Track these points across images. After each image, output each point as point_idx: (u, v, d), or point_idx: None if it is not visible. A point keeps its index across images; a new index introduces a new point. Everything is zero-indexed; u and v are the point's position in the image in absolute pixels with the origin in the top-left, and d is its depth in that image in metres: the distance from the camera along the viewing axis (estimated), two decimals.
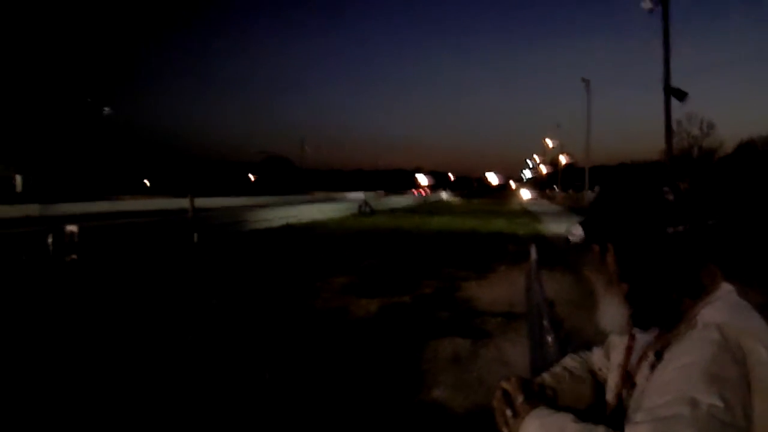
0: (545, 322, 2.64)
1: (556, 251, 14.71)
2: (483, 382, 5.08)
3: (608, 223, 1.20)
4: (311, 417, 4.31)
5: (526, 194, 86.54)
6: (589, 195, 46.82)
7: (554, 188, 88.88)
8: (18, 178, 53.61)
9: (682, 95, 19.64)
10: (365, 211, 34.35)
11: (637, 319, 1.20)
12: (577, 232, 1.24)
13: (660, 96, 20.49)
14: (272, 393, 4.75)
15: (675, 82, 19.96)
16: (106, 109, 68.61)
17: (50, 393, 4.74)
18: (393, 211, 38.07)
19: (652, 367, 1.13)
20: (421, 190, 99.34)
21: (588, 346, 1.61)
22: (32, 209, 28.44)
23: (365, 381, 5.06)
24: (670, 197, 1.16)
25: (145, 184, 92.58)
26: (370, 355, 5.85)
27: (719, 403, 0.95)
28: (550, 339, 2.32)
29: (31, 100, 61.58)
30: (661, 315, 1.18)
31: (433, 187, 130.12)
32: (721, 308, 1.11)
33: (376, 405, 4.53)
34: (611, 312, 1.24)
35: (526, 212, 38.55)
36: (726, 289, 1.17)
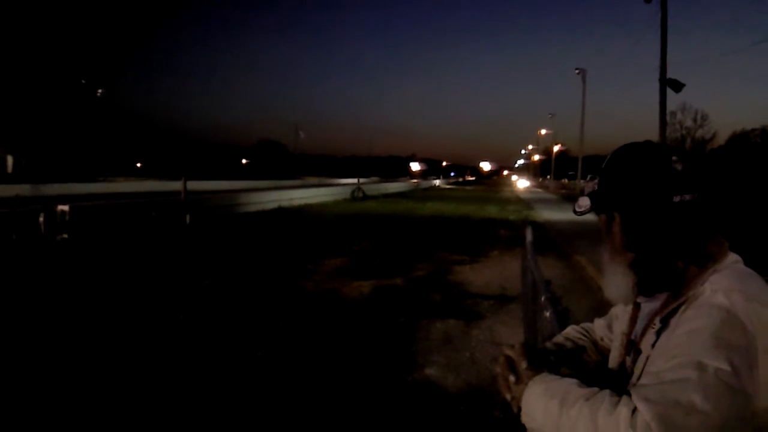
0: (543, 299, 2.64)
1: (548, 238, 14.79)
2: (475, 362, 5.10)
3: (616, 192, 1.19)
4: (303, 393, 4.31)
5: (522, 183, 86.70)
6: (581, 184, 46.98)
7: (548, 177, 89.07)
8: (9, 159, 53.14)
9: (678, 86, 19.68)
10: (358, 196, 34.31)
11: (642, 287, 1.20)
12: (584, 203, 1.23)
13: (654, 86, 20.54)
14: (264, 370, 4.75)
15: (670, 74, 20.03)
16: (101, 90, 68.07)
17: (36, 365, 4.71)
18: (386, 197, 38.04)
19: (658, 333, 1.13)
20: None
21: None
22: (23, 189, 28.16)
23: (357, 359, 5.07)
24: (679, 167, 1.15)
25: (137, 166, 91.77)
26: (363, 334, 5.86)
27: (726, 368, 0.94)
28: (548, 314, 2.31)
29: (25, 80, 60.85)
30: (667, 282, 1.17)
31: (426, 174, 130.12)
32: (729, 275, 1.10)
33: (369, 382, 4.54)
34: (615, 282, 1.23)
35: (518, 200, 38.63)
36: (733, 258, 1.17)
